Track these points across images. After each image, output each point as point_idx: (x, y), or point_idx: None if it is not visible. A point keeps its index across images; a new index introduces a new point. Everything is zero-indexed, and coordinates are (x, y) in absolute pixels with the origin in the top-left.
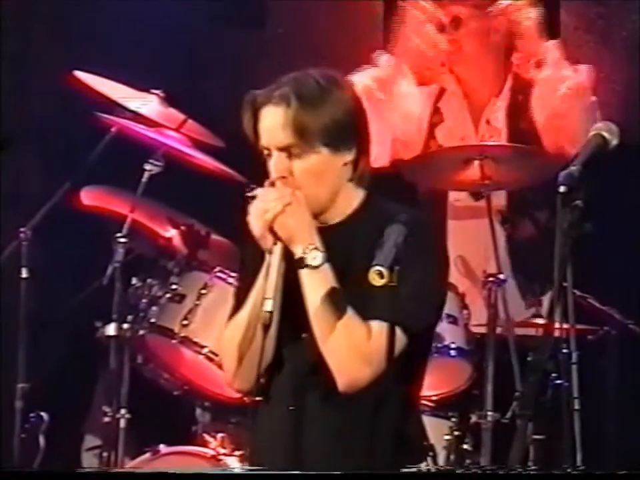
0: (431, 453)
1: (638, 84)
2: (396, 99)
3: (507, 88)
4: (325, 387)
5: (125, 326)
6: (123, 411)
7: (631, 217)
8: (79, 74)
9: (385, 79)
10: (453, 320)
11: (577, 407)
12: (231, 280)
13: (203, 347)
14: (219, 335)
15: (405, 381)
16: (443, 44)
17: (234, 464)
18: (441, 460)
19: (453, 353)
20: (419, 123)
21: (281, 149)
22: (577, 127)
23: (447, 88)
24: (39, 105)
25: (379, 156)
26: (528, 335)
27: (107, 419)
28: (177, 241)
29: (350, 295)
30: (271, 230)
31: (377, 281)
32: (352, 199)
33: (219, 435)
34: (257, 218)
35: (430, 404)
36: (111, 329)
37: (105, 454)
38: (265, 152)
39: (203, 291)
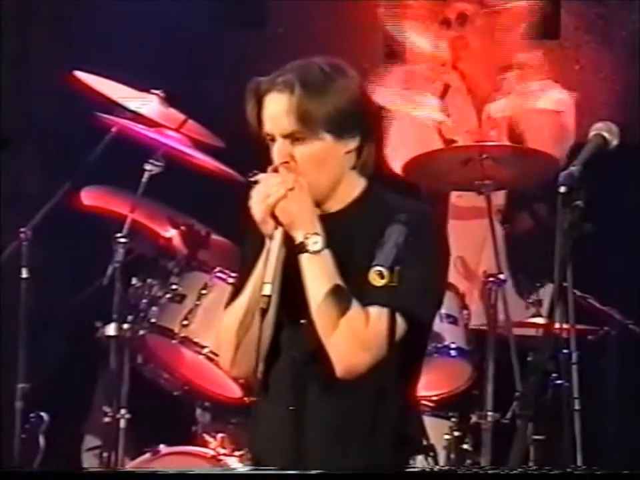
0: (431, 453)
1: (638, 84)
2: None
3: (508, 83)
4: (324, 377)
5: (125, 326)
6: (123, 411)
7: (631, 217)
8: (78, 74)
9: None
10: (453, 320)
11: (577, 407)
12: (231, 280)
13: (203, 347)
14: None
15: (403, 373)
16: (448, 40)
17: (234, 464)
18: (441, 460)
19: (453, 353)
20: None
21: (285, 136)
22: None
23: (450, 84)
24: (39, 104)
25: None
26: (528, 335)
27: (107, 419)
28: (177, 241)
29: (349, 282)
30: (273, 215)
31: (377, 281)
32: (353, 187)
33: (219, 435)
34: (258, 202)
35: (430, 404)
36: (111, 329)
37: (105, 454)
38: (269, 138)
39: (203, 291)
